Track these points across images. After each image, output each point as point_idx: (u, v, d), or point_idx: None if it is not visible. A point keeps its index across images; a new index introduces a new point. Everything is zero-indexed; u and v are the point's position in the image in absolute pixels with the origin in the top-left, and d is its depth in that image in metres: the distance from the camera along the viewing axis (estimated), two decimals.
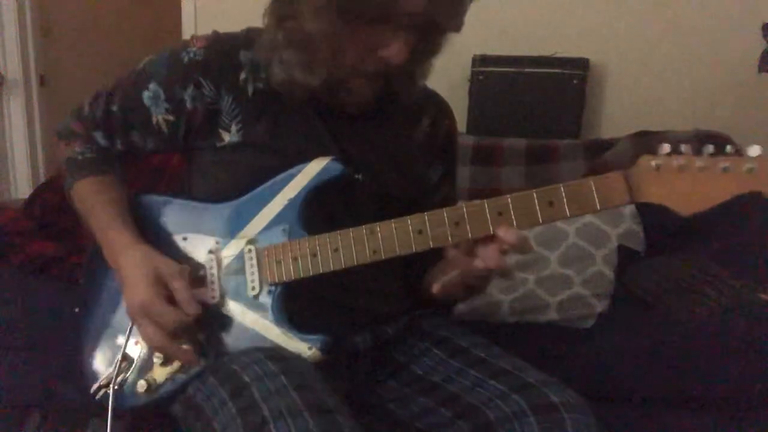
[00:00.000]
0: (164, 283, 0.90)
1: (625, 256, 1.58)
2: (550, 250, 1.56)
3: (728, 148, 0.78)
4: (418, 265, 1.08)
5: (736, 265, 1.47)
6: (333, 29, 0.85)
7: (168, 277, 0.90)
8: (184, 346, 0.91)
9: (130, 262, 0.92)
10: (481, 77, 2.16)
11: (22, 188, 2.75)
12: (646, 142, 1.80)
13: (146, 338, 0.91)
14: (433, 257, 0.99)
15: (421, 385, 0.99)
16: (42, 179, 2.68)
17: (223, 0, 2.41)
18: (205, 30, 1.03)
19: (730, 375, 1.22)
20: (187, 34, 2.44)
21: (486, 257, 0.84)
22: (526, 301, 1.51)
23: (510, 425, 0.85)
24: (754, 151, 0.77)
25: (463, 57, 2.19)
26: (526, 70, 2.12)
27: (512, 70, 2.13)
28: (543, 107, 2.13)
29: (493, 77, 2.15)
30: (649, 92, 2.23)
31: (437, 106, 1.11)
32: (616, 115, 2.27)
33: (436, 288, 0.91)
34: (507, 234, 0.82)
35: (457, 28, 0.89)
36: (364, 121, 1.01)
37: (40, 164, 2.83)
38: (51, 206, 1.80)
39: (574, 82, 2.11)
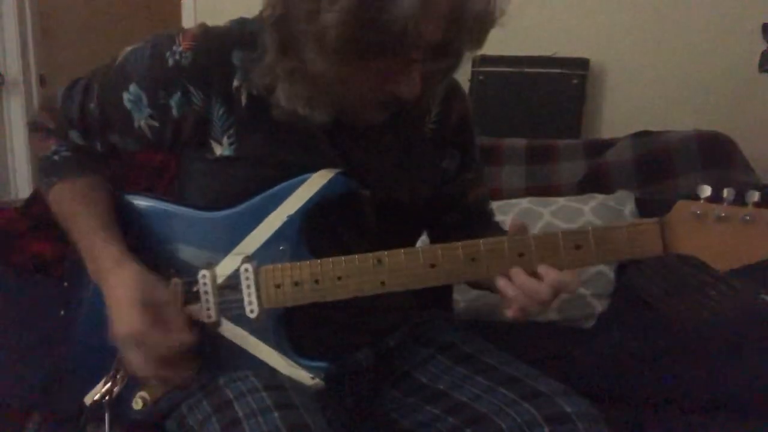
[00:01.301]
0: (156, 307, 0.83)
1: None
2: None
3: None
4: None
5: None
6: (341, 69, 0.76)
7: (161, 304, 0.84)
8: (174, 372, 0.86)
9: (118, 283, 0.85)
10: (481, 77, 2.16)
11: (22, 188, 2.75)
12: (646, 142, 1.80)
13: (134, 367, 0.85)
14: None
15: (426, 394, 0.95)
16: (38, 177, 2.68)
17: (223, 0, 2.41)
18: None
19: (730, 375, 1.22)
20: None
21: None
22: None
23: None
24: None
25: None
26: (526, 70, 2.12)
27: (512, 70, 2.13)
28: (543, 107, 2.13)
29: (493, 77, 2.15)
30: (649, 92, 2.23)
31: (447, 90, 1.00)
32: (616, 115, 2.27)
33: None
34: (548, 273, 0.78)
35: (479, 45, 0.81)
36: (369, 126, 0.92)
37: None
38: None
39: (574, 82, 2.11)
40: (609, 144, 1.87)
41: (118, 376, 0.92)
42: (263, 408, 0.79)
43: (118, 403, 0.93)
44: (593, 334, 1.45)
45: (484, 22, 0.78)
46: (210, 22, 0.93)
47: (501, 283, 0.80)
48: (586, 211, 1.61)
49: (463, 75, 2.18)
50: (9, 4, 2.63)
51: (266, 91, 0.84)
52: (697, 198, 0.75)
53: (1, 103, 2.72)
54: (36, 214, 1.81)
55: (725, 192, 0.73)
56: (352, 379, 0.97)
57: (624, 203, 1.63)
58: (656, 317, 1.41)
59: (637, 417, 1.17)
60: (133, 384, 0.92)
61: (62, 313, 1.02)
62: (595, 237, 0.77)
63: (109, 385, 0.93)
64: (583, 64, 2.12)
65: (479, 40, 0.80)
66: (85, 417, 0.96)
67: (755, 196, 0.72)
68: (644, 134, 1.83)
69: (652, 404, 1.21)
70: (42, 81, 2.79)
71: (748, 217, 0.72)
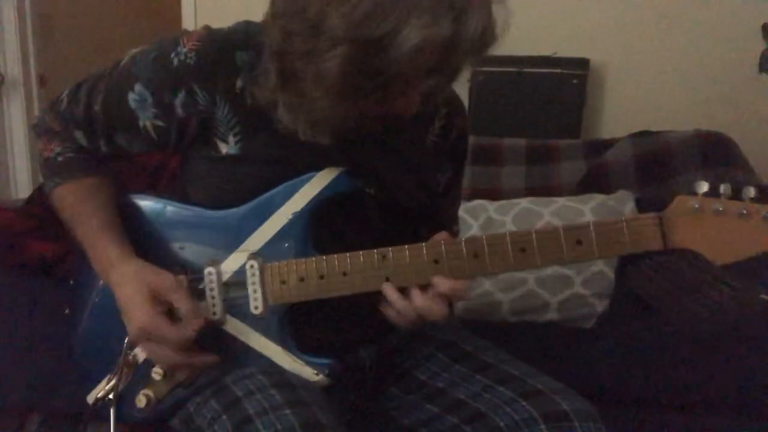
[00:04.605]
0: (162, 298, 0.85)
1: (625, 255, 1.57)
2: None
3: None
4: None
5: (737, 265, 1.47)
6: (339, 105, 0.76)
7: (165, 292, 0.85)
8: (200, 357, 0.88)
9: (123, 280, 0.87)
10: (481, 77, 2.16)
11: (22, 188, 2.75)
12: (646, 142, 1.80)
13: (155, 358, 0.88)
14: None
15: (426, 392, 0.96)
16: (42, 179, 2.68)
17: (223, 0, 2.41)
18: None
19: (730, 375, 1.22)
20: None
21: (416, 298, 0.83)
22: (526, 301, 1.51)
23: None
24: None
25: None
26: (526, 70, 2.12)
27: (512, 70, 2.13)
28: (543, 107, 2.13)
29: (493, 77, 2.15)
30: (649, 92, 2.23)
31: (450, 104, 1.01)
32: (616, 115, 2.27)
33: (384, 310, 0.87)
34: (441, 283, 0.82)
35: (478, 61, 0.82)
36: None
37: None
38: (51, 206, 1.80)
39: (574, 82, 2.11)
40: (609, 144, 1.87)
41: (121, 374, 0.92)
42: (275, 405, 0.80)
43: (121, 401, 0.93)
44: (593, 334, 1.45)
45: (485, 41, 0.78)
46: (210, 22, 0.93)
47: (436, 278, 0.82)
48: (586, 211, 1.61)
49: (462, 75, 2.20)
50: (9, 4, 2.63)
51: (270, 106, 0.85)
52: (694, 193, 0.76)
53: (1, 103, 2.72)
54: (36, 214, 1.81)
55: (722, 187, 0.75)
56: (355, 377, 0.98)
57: (624, 203, 1.63)
58: (656, 317, 1.42)
59: (637, 417, 1.17)
60: (136, 382, 0.93)
61: (67, 311, 1.03)
62: (596, 232, 0.78)
63: (112, 382, 0.93)
64: (583, 64, 2.12)
65: (480, 57, 0.80)
66: (86, 416, 0.96)
67: (751, 191, 0.74)
68: (644, 134, 1.84)
69: (652, 404, 1.21)
70: (42, 81, 2.79)
71: (744, 212, 0.73)
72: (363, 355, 0.98)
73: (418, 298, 0.83)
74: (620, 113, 2.27)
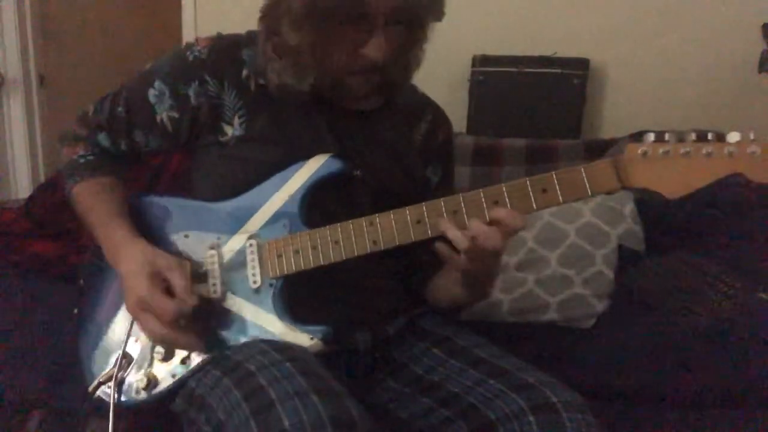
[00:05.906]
0: (162, 275, 0.91)
1: (625, 256, 1.58)
2: (550, 250, 1.56)
3: (710, 135, 0.82)
4: (420, 272, 1.09)
5: (735, 265, 1.47)
6: (312, 37, 0.91)
7: (165, 269, 0.91)
8: (185, 336, 0.92)
9: (128, 257, 0.94)
10: (481, 77, 2.16)
11: (22, 188, 2.75)
12: None
13: (147, 331, 0.92)
14: (433, 264, 1.00)
15: (421, 385, 0.99)
16: (42, 179, 2.68)
17: (223, 1, 2.41)
18: (204, 30, 1.04)
19: (729, 375, 1.22)
20: (187, 34, 2.44)
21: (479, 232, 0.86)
22: (526, 301, 1.51)
23: (510, 425, 0.85)
24: (733, 137, 0.81)
25: (463, 57, 2.19)
26: (526, 70, 2.12)
27: (512, 70, 2.13)
28: (543, 107, 2.13)
29: (493, 77, 2.15)
30: (649, 92, 2.23)
31: (435, 113, 1.14)
32: (616, 115, 2.27)
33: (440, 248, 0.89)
34: (498, 213, 0.86)
35: (439, 17, 0.93)
36: (364, 117, 1.04)
37: (40, 164, 2.82)
38: (51, 206, 1.80)
39: (574, 82, 2.11)
40: (609, 144, 1.87)
41: (122, 363, 0.96)
42: (275, 361, 0.84)
43: (122, 385, 0.96)
44: (593, 334, 1.45)
45: None
46: (209, 24, 1.02)
47: (451, 234, 0.86)
48: (585, 211, 1.61)
49: (463, 75, 2.21)
50: (9, 4, 2.63)
51: (264, 72, 0.98)
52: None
53: (1, 103, 2.72)
54: (36, 214, 1.82)
55: (667, 135, 0.84)
56: (349, 361, 1.01)
57: (624, 203, 1.63)
58: (656, 317, 1.42)
59: (637, 416, 1.17)
60: (139, 364, 0.96)
61: (76, 311, 1.07)
62: (558, 179, 0.86)
63: (113, 370, 0.96)
64: (583, 64, 2.13)
65: (438, 9, 0.93)
66: (86, 406, 0.98)
67: (692, 135, 0.83)
68: (644, 134, 1.83)
69: (652, 404, 1.21)
70: (42, 81, 2.79)
71: (688, 149, 0.82)
72: (358, 339, 1.02)
73: (477, 226, 0.86)
74: (620, 113, 2.27)
